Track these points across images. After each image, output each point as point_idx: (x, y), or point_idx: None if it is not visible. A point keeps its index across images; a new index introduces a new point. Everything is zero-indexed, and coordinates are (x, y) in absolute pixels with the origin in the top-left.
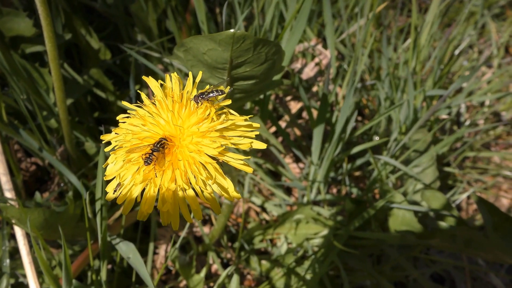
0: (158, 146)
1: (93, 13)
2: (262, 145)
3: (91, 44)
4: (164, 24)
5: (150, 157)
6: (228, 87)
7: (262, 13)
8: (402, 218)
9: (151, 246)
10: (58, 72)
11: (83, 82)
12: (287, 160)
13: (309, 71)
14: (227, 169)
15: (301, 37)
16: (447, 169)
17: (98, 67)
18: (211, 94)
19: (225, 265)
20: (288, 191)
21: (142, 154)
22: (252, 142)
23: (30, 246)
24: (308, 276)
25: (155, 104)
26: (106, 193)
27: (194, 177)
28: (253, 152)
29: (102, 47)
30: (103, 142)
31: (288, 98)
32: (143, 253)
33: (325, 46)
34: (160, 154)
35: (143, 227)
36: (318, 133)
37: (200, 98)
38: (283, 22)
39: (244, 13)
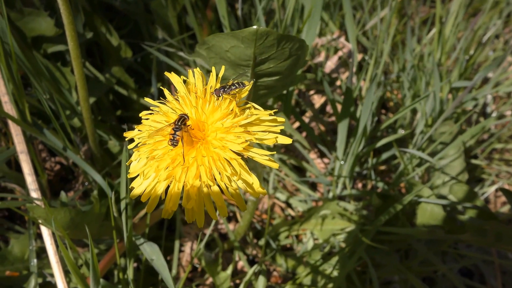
0: (179, 123)
1: (113, 11)
2: (287, 140)
3: (111, 42)
4: (184, 20)
5: (175, 138)
6: (252, 82)
7: (282, 7)
8: (430, 213)
9: (177, 244)
10: (81, 71)
11: (105, 80)
12: (312, 155)
13: (332, 65)
14: (253, 166)
15: (324, 30)
16: (474, 161)
17: (119, 65)
18: (232, 88)
19: (251, 262)
20: (313, 186)
21: (168, 139)
22: (277, 137)
23: (57, 246)
24: (335, 272)
25: (178, 100)
26: (131, 191)
27: (219, 173)
28: (277, 148)
29: (123, 44)
30: (126, 139)
31: (311, 92)
32: (169, 251)
33: (348, 39)
34: (184, 133)
35: (168, 225)
36: (342, 127)
37: (221, 92)
38: (304, 16)
39: (262, 4)
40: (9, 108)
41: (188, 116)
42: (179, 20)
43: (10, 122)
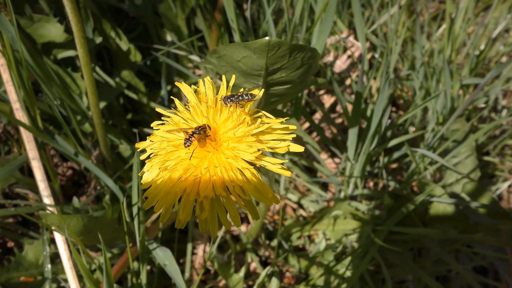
0: (200, 129)
1: (122, 14)
2: (299, 148)
3: (121, 47)
4: (193, 23)
5: (190, 139)
6: (263, 90)
7: (291, 7)
8: (443, 212)
9: (189, 246)
10: (91, 77)
11: (115, 84)
12: (322, 155)
13: (341, 64)
14: (264, 171)
15: (332, 29)
16: (486, 158)
17: (129, 68)
18: (240, 98)
19: (263, 263)
20: (324, 186)
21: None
22: (289, 145)
23: (71, 251)
24: (348, 273)
25: (189, 110)
26: (143, 194)
27: (232, 183)
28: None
29: (132, 48)
30: (138, 150)
31: (321, 92)
32: (182, 253)
33: (357, 38)
34: (201, 140)
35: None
36: (353, 127)
37: (229, 100)
38: (313, 15)
39: (271, 7)
40: (21, 115)
41: (210, 128)
42: (188, 22)
43: (22, 129)
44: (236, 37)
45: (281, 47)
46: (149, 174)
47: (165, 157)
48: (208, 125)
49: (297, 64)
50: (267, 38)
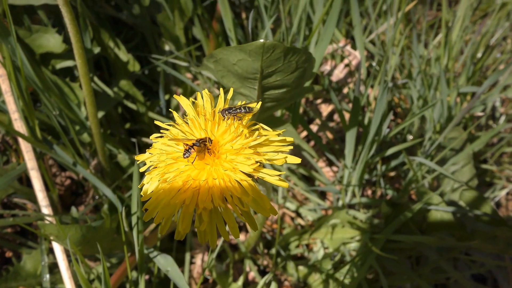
0: (200, 141)
1: (120, 24)
2: (296, 160)
3: (119, 56)
4: (191, 32)
5: (190, 150)
6: (260, 102)
7: (289, 15)
8: (440, 220)
9: (188, 256)
10: (89, 88)
11: (113, 94)
12: (320, 164)
13: (338, 73)
14: (262, 181)
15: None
16: (484, 166)
17: (127, 78)
18: (238, 110)
19: (262, 272)
20: (322, 195)
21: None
22: (286, 157)
23: (69, 261)
24: (346, 281)
25: (188, 123)
26: (142, 204)
27: (231, 195)
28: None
29: (131, 58)
30: (138, 162)
31: (319, 101)
32: (180, 262)
33: (353, 47)
34: (200, 148)
35: None
36: (351, 136)
37: (227, 113)
38: (310, 24)
39: (272, 19)
40: (19, 125)
41: (211, 142)
42: (186, 32)
43: (20, 139)
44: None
45: (276, 49)
46: (149, 186)
47: (165, 169)
48: (209, 138)
49: (292, 67)
50: (262, 40)
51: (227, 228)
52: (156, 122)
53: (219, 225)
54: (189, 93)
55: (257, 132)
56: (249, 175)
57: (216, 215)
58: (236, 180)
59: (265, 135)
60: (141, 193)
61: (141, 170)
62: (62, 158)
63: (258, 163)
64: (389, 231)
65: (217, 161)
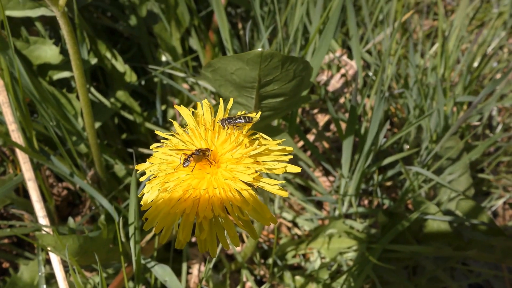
0: (200, 151)
1: (116, 34)
2: (296, 169)
3: (116, 67)
4: (188, 43)
5: (189, 158)
6: (259, 112)
7: (285, 26)
8: (437, 229)
9: (184, 266)
10: (87, 99)
11: (110, 105)
12: (317, 173)
13: (335, 83)
14: (260, 190)
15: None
16: (481, 175)
17: (124, 89)
18: (237, 120)
19: (258, 282)
20: (319, 205)
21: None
22: (286, 166)
23: (66, 271)
24: None
25: (188, 133)
26: (140, 214)
27: (231, 204)
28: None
29: (128, 69)
30: (137, 172)
31: (315, 111)
32: (176, 273)
33: (350, 57)
34: (199, 157)
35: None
36: (347, 145)
37: (227, 122)
38: (307, 34)
39: (269, 29)
40: (17, 136)
41: (210, 153)
42: (182, 42)
43: (17, 150)
44: None
45: (273, 58)
46: (149, 195)
47: (165, 178)
48: (208, 149)
49: (289, 76)
50: (259, 49)
51: (227, 237)
52: (156, 132)
53: (219, 234)
54: (185, 103)
55: (257, 142)
56: (249, 185)
57: (216, 224)
58: (236, 189)
59: (265, 145)
60: (141, 203)
61: (141, 179)
62: (59, 168)
63: (258, 173)
64: (386, 241)
65: (217, 170)
